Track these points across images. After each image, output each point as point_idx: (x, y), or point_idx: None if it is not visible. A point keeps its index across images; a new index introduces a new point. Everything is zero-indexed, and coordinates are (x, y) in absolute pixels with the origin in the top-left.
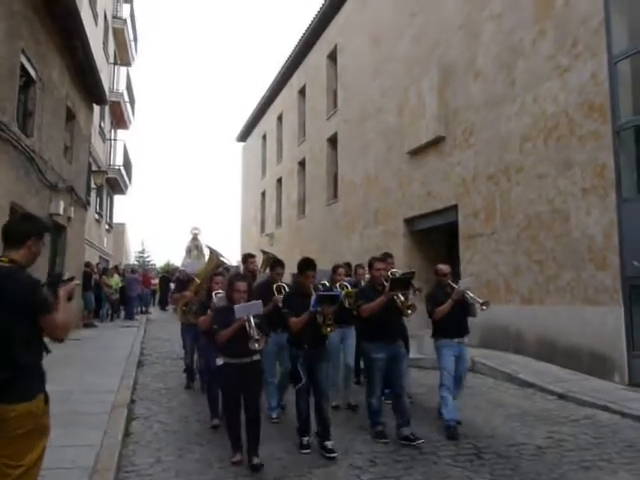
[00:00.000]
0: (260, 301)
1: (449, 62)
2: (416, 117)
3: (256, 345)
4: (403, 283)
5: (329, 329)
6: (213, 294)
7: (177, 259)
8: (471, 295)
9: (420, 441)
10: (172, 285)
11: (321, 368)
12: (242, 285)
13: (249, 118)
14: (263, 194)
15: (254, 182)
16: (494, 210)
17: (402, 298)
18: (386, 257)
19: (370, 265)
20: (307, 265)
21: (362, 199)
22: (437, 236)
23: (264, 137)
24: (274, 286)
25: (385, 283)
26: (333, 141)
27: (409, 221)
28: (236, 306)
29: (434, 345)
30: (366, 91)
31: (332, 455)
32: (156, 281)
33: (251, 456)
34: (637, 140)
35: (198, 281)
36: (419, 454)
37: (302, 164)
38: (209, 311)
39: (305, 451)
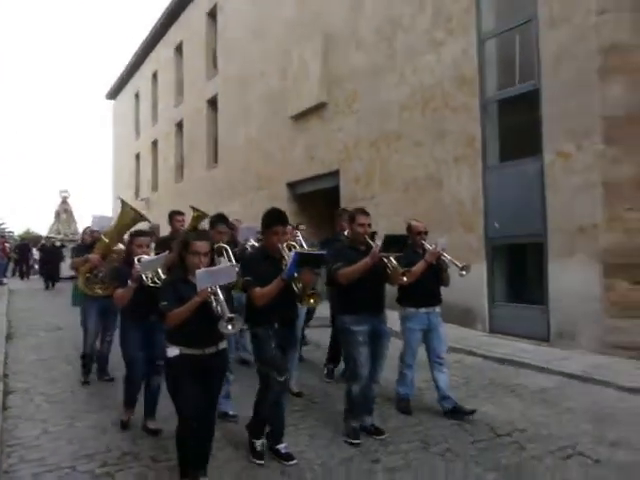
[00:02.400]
0: (235, 264)
1: (333, 29)
2: (299, 81)
3: (229, 327)
4: (400, 243)
5: (312, 300)
6: (135, 259)
7: (42, 226)
8: (448, 257)
9: (383, 436)
10: (35, 253)
11: (292, 357)
12: (203, 246)
13: (120, 75)
14: (137, 156)
15: (127, 144)
16: (374, 176)
17: (394, 262)
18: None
19: (352, 218)
20: (276, 218)
21: (244, 163)
22: (320, 200)
23: (137, 96)
24: (215, 247)
25: (371, 242)
26: (213, 103)
27: (292, 185)
28: (199, 271)
29: (400, 315)
30: (248, 53)
31: (292, 462)
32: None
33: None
34: (500, 113)
35: (107, 240)
36: (312, 402)
37: (180, 126)
38: (130, 282)
39: (261, 461)
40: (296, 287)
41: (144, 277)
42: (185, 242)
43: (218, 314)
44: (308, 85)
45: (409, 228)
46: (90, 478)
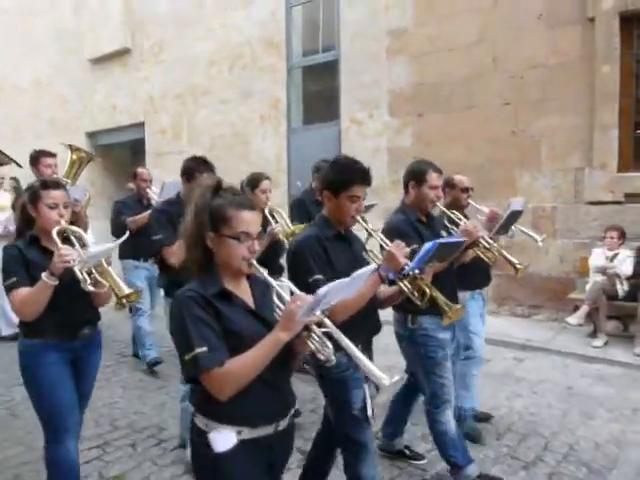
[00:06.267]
0: (375, 266)
1: None
2: (97, 22)
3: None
4: (514, 222)
5: (457, 308)
6: (55, 236)
7: None
8: (520, 228)
9: (422, 462)
10: None
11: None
12: (254, 219)
13: None
14: None
15: None
16: (182, 130)
17: (502, 248)
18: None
19: (418, 176)
20: (359, 173)
21: (32, 107)
22: (123, 152)
23: None
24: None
25: (448, 210)
26: None
27: (91, 135)
28: (329, 286)
29: None
30: None
31: None
32: None
33: None
34: (303, 79)
35: None
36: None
37: None
38: (46, 277)
39: None
40: (407, 289)
41: (78, 272)
42: (218, 214)
43: (325, 359)
44: (108, 27)
45: (451, 183)
46: None
